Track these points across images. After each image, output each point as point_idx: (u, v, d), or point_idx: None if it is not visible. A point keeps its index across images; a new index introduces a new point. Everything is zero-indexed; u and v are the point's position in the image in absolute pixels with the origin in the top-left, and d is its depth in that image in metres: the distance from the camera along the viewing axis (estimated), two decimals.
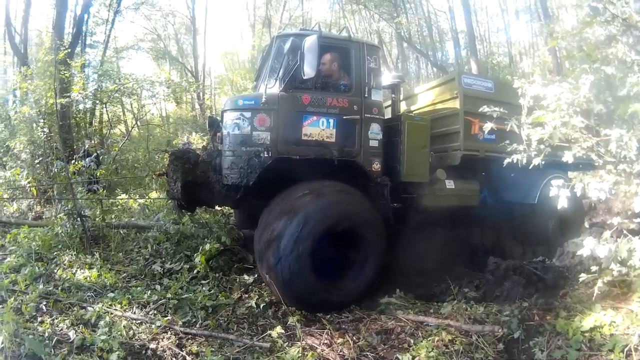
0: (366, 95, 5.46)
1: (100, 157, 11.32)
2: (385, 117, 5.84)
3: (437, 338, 3.89)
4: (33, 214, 9.54)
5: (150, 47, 23.51)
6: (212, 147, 6.24)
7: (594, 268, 3.60)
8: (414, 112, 7.03)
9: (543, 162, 3.92)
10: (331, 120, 5.27)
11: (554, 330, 3.71)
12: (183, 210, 6.46)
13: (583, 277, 3.71)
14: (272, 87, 5.24)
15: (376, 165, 5.54)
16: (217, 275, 5.71)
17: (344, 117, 5.32)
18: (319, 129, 5.22)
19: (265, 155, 5.04)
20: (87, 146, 11.71)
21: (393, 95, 6.39)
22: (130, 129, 18.06)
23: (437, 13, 27.24)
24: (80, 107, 14.27)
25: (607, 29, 3.76)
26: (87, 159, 8.93)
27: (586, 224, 7.46)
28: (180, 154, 5.58)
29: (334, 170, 5.30)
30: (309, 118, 5.19)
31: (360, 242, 5.13)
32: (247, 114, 5.07)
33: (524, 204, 6.68)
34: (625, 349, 3.14)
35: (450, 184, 6.12)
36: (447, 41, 28.06)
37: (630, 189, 3.55)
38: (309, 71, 4.89)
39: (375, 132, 5.51)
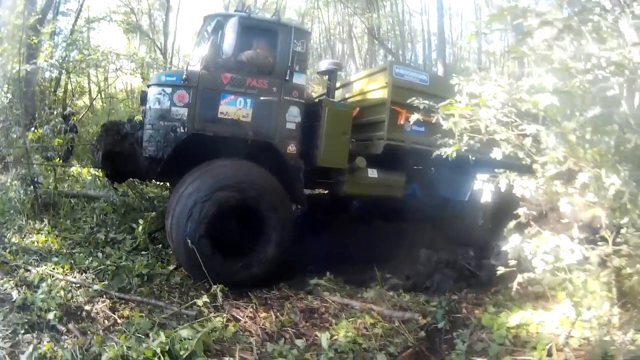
0: (287, 78, 5.53)
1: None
2: (308, 102, 5.92)
3: (359, 320, 4.02)
4: None
5: (122, 19, 22.86)
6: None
7: (512, 262, 3.50)
8: (348, 99, 7.08)
9: (473, 159, 4.01)
10: (248, 100, 5.36)
11: (479, 324, 3.83)
12: (113, 181, 6.47)
13: (501, 270, 3.64)
14: (195, 65, 5.35)
15: (292, 148, 5.59)
16: (157, 247, 5.79)
17: (260, 98, 5.39)
18: (236, 108, 5.32)
19: (181, 130, 5.16)
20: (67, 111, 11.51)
21: (328, 82, 6.41)
22: (92, 100, 17.89)
23: (412, 14, 27.15)
24: (47, 75, 14.01)
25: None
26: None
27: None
28: (111, 125, 5.69)
29: (249, 150, 5.37)
30: (226, 97, 5.30)
31: (262, 219, 5.21)
32: (168, 90, 5.20)
33: (455, 201, 6.66)
34: (547, 347, 3.18)
35: (372, 173, 6.14)
36: (419, 42, 28.07)
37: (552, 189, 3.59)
38: (227, 50, 5.05)
39: (293, 115, 5.58)
